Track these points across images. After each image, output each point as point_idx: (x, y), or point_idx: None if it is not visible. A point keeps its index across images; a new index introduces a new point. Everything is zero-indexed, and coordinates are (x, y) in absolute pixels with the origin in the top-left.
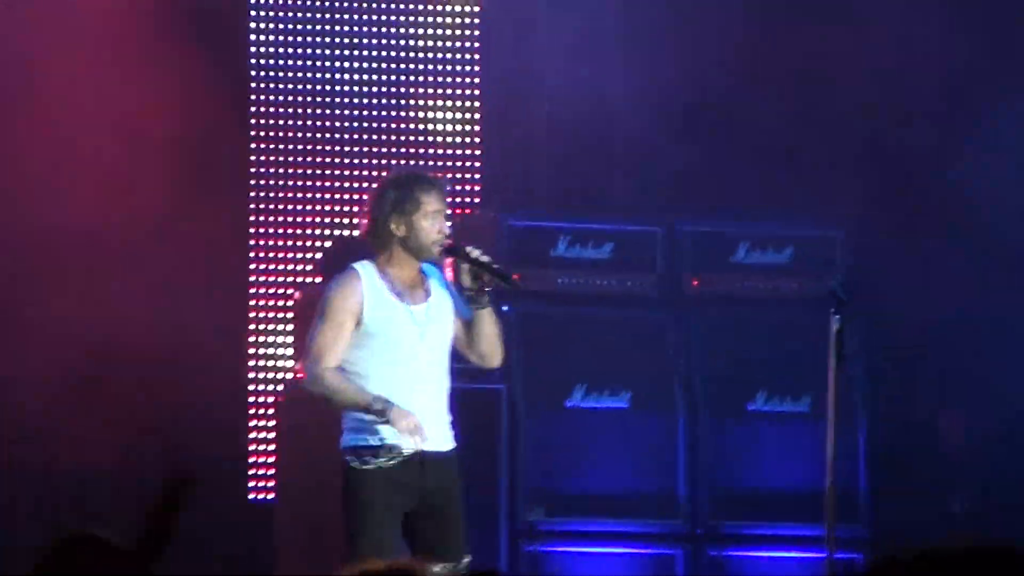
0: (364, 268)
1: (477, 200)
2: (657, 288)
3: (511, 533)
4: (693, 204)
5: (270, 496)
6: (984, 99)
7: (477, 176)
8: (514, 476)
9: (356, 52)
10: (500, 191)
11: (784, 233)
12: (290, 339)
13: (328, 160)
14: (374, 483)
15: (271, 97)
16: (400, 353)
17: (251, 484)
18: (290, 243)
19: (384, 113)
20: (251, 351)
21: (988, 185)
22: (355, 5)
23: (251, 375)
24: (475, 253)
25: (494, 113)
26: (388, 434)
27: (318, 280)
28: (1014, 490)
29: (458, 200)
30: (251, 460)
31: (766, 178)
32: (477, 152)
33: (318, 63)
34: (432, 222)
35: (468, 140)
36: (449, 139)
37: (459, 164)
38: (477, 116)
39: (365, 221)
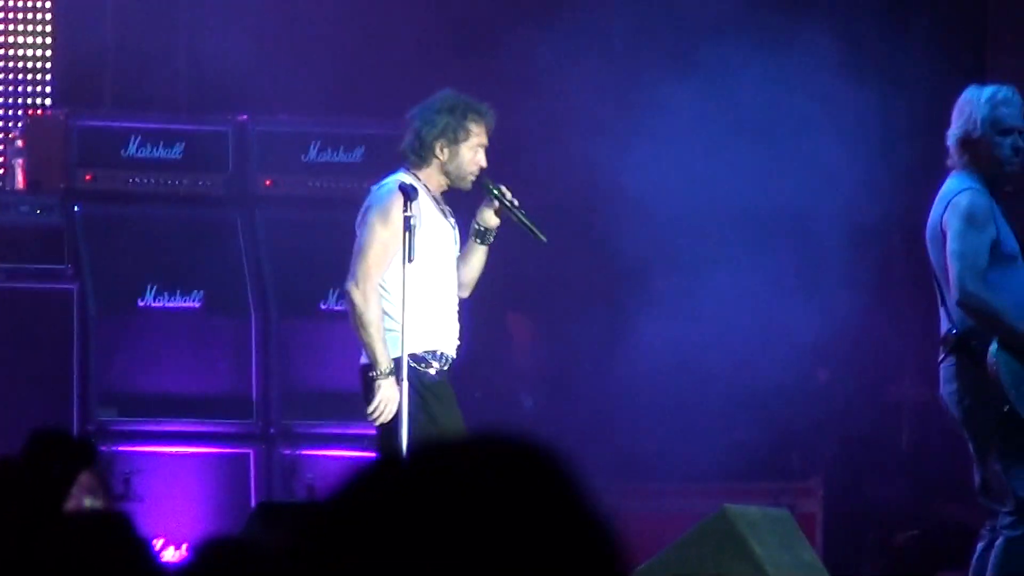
0: (414, 181)
1: (48, 102)
2: (228, 187)
3: (82, 433)
4: (264, 104)
5: None
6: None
7: (48, 78)
8: (86, 377)
9: None
10: (71, 93)
11: (355, 132)
12: None
13: None
14: (440, 392)
15: None
16: (443, 268)
17: None
18: None
19: None
20: None
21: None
22: None
23: None
24: (512, 198)
25: (64, 18)
26: (437, 341)
27: None
28: (574, 390)
29: (29, 102)
30: None
31: (338, 76)
32: (47, 54)
33: None
34: (475, 153)
35: (39, 41)
36: (20, 39)
37: (29, 66)
38: (49, 17)
39: (410, 135)
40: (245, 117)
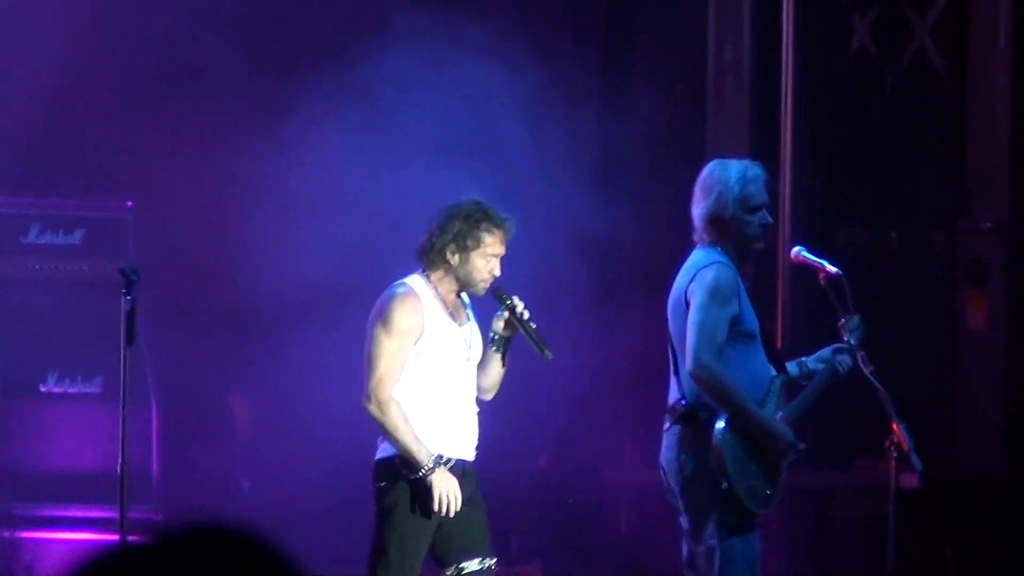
0: (419, 286)
1: None
2: None
3: None
4: None
5: None
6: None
7: None
8: None
9: None
10: None
11: (75, 214)
12: None
13: None
14: (424, 492)
15: None
16: (450, 372)
17: None
18: None
19: None
20: None
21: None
22: None
23: None
24: (523, 311)
25: None
26: (441, 446)
27: None
28: (290, 473)
29: None
30: None
31: (58, 158)
32: None
33: None
34: (487, 262)
35: None
36: None
37: None
38: None
39: (425, 236)
40: None
